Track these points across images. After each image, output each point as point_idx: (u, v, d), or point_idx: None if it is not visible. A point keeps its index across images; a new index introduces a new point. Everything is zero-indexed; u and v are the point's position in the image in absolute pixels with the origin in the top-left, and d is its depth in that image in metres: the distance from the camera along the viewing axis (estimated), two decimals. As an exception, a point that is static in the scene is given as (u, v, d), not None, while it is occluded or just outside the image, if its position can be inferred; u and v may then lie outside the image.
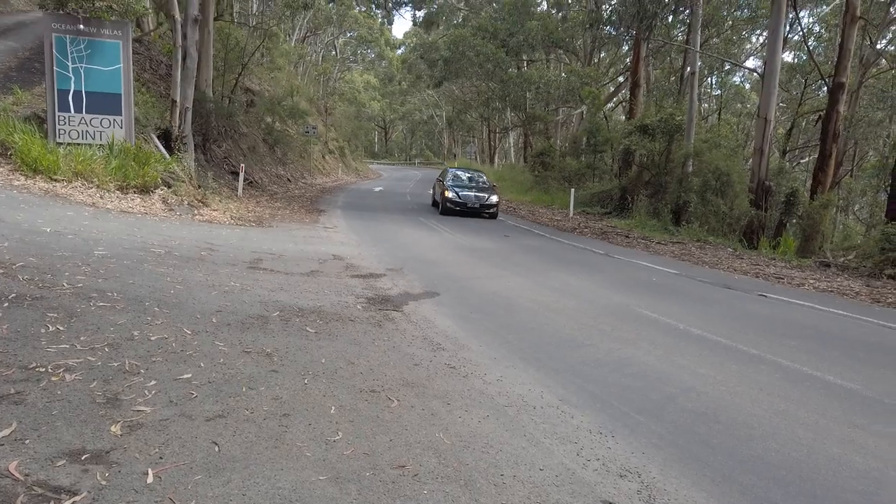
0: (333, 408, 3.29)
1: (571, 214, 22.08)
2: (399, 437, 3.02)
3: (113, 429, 2.77)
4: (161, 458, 2.58)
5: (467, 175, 21.63)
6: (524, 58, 42.84)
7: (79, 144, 11.32)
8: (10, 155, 10.43)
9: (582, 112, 38.08)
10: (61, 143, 11.17)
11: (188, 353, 3.89)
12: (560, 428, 3.40)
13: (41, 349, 3.63)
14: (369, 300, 6.34)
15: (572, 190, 23.48)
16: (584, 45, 38.80)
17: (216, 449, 2.70)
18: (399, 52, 69.61)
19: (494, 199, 19.04)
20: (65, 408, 2.92)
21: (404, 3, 40.74)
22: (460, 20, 46.05)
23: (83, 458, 2.52)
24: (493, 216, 18.88)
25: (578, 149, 32.60)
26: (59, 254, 6.22)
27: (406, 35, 71.69)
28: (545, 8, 42.26)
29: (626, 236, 16.61)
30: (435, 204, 21.21)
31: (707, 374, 4.67)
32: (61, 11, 11.02)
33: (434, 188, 22.57)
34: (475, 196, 18.80)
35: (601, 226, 19.26)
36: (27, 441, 2.57)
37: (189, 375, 3.49)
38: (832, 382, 4.66)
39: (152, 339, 4.08)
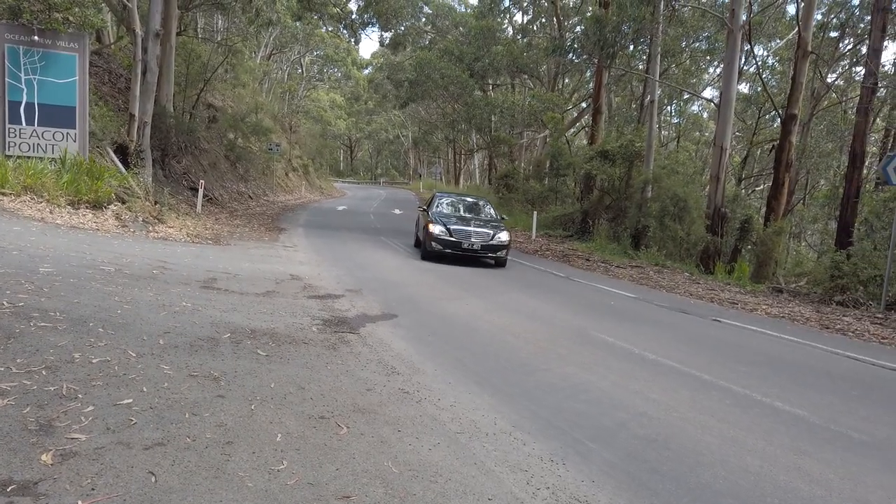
0: (280, 435, 3.20)
1: (534, 237, 22.30)
2: (346, 466, 2.95)
3: (44, 458, 2.64)
4: (93, 489, 2.47)
5: (463, 202, 15.73)
6: (489, 82, 43.47)
7: (29, 157, 10.99)
8: (-44, 167, 10.06)
9: (545, 136, 38.72)
10: (10, 156, 10.83)
11: (131, 376, 3.76)
12: (511, 455, 3.37)
13: (-28, 372, 3.46)
14: (325, 322, 6.25)
15: (535, 213, 23.74)
16: (548, 71, 39.59)
17: (153, 479, 2.59)
18: (366, 71, 69.82)
19: (504, 236, 13.18)
20: (-8, 435, 2.77)
21: (371, 23, 40.82)
22: (427, 43, 46.50)
23: (9, 489, 2.39)
24: (501, 263, 13.35)
25: (542, 172, 33.05)
26: (1, 271, 5.98)
27: (373, 55, 72.03)
28: (511, 34, 43.03)
29: (587, 259, 16.82)
30: (418, 244, 14.92)
31: (659, 400, 4.71)
32: (15, 22, 10.74)
33: (417, 223, 16.25)
34: (474, 232, 13.00)
35: (563, 248, 19.48)
36: (-52, 472, 2.43)
37: (130, 400, 3.37)
38: (781, 409, 4.75)
39: (94, 361, 3.93)
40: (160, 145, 17.69)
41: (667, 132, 43.00)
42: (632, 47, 26.35)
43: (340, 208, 31.40)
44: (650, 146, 21.21)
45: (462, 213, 14.99)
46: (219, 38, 31.22)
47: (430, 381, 4.63)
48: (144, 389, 3.57)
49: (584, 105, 40.31)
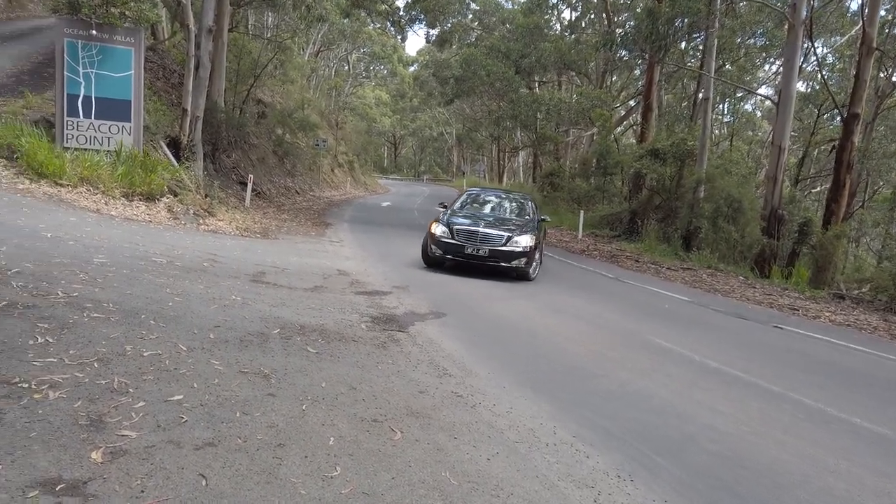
0: (332, 438, 3.07)
1: (580, 236, 21.88)
2: (402, 475, 2.79)
3: (94, 455, 2.56)
4: (143, 491, 2.37)
5: (495, 198, 12.90)
6: (536, 79, 42.96)
7: (86, 150, 11.20)
8: (17, 158, 10.31)
9: (592, 134, 38.06)
10: (68, 148, 11.05)
11: (181, 371, 3.68)
12: (575, 469, 3.17)
13: (27, 362, 3.43)
14: (374, 319, 6.13)
15: (581, 212, 23.30)
16: (597, 68, 38.87)
17: (203, 483, 2.48)
18: (411, 69, 69.96)
19: (525, 241, 10.20)
20: (45, 429, 2.71)
21: (418, 20, 40.79)
22: (473, 39, 46.21)
23: (58, 488, 2.31)
24: (523, 275, 10.34)
25: (588, 170, 32.50)
26: (57, 260, 6.04)
27: (419, 52, 72.14)
28: (558, 30, 42.43)
29: (636, 260, 16.37)
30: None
31: (727, 412, 4.42)
32: (74, 16, 10.96)
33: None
34: (482, 234, 10.20)
35: (610, 249, 19.04)
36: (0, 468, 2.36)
37: (180, 397, 3.28)
38: (860, 426, 4.41)
39: (145, 354, 3.87)
40: (211, 140, 17.95)
41: (718, 131, 41.75)
42: (684, 44, 25.65)
43: (385, 204, 31.47)
44: (704, 145, 20.52)
45: (487, 211, 12.10)
46: (268, 35, 31.63)
47: (484, 384, 4.44)
48: (195, 385, 3.48)
49: (632, 103, 39.49)
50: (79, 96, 11.14)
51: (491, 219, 11.38)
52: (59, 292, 4.90)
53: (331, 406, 3.51)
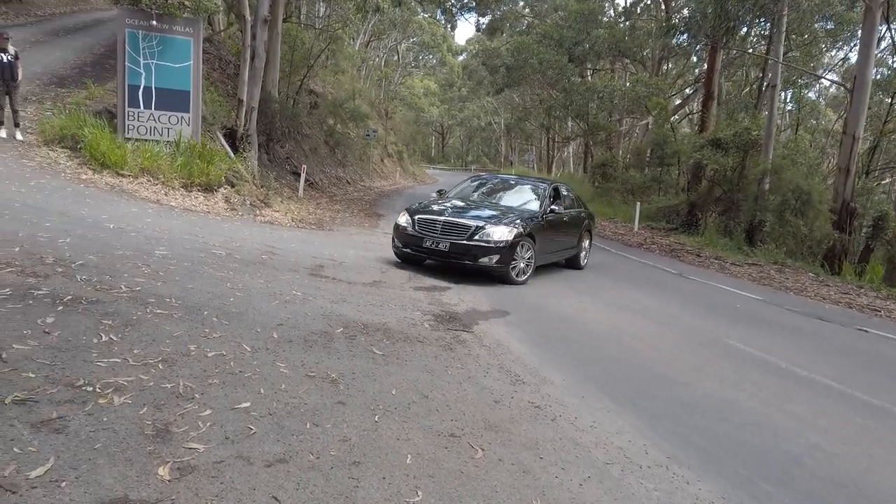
0: (409, 456, 2.83)
1: (636, 229, 21.21)
2: (489, 503, 2.53)
3: (161, 472, 2.38)
4: (213, 514, 2.18)
5: (505, 184, 10.74)
6: (588, 66, 41.98)
7: (146, 140, 11.31)
8: (80, 149, 10.47)
9: (647, 123, 37.03)
10: (130, 139, 11.18)
11: (247, 374, 3.51)
12: (677, 498, 2.85)
13: (91, 363, 3.30)
14: (436, 317, 5.89)
15: (638, 203, 22.60)
16: (653, 55, 37.70)
17: (277, 506, 2.28)
18: (461, 58, 69.47)
19: (499, 234, 8.09)
20: (110, 440, 2.55)
21: (469, 8, 40.32)
22: (524, 27, 45.49)
23: (125, 509, 2.14)
24: (501, 276, 8.34)
25: (643, 161, 31.62)
26: (120, 252, 6.00)
27: (468, 41, 71.58)
28: (612, 16, 41.32)
29: (698, 255, 15.72)
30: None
31: (830, 429, 4.02)
32: (135, 7, 11.05)
33: None
34: (444, 225, 8.28)
35: (669, 242, 18.38)
36: (63, 484, 2.20)
37: (248, 404, 3.10)
38: None
39: (209, 355, 3.72)
40: (265, 130, 18.04)
41: (780, 120, 40.03)
42: (745, 29, 24.49)
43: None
44: (769, 134, 19.56)
45: (485, 199, 9.99)
46: (320, 26, 31.72)
47: (561, 393, 4.15)
48: (262, 391, 3.30)
49: (688, 91, 38.20)
50: (139, 87, 11.24)
51: (475, 208, 9.22)
52: (123, 286, 4.82)
53: (404, 417, 3.28)
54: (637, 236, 19.37)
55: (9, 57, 10.08)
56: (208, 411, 2.95)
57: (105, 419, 2.72)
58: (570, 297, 8.17)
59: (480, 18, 45.17)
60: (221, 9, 21.40)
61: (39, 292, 4.27)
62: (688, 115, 40.68)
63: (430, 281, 7.93)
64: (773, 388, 4.87)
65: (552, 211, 9.44)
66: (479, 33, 51.79)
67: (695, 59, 38.66)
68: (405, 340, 4.81)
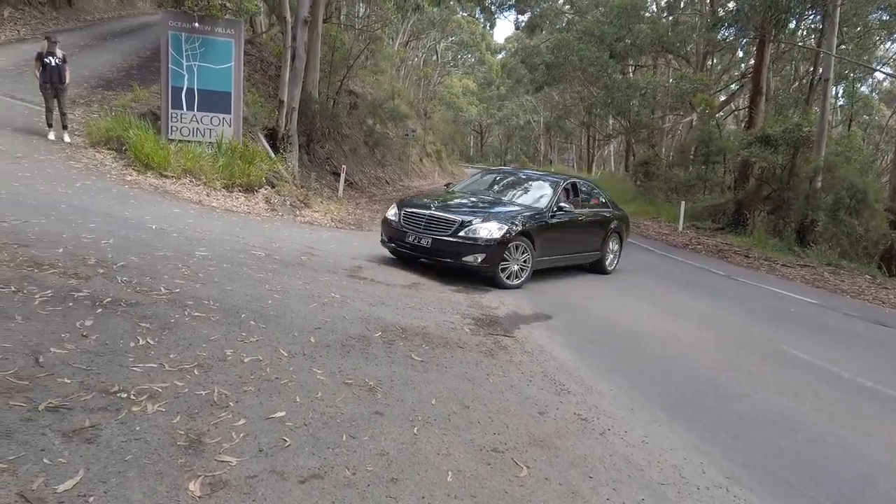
0: (450, 473, 2.68)
1: (681, 228, 20.65)
2: (536, 527, 2.37)
3: (191, 487, 2.29)
4: (244, 535, 2.06)
5: (518, 179, 9.93)
6: (630, 63, 41.21)
7: (189, 141, 11.44)
8: (125, 150, 10.64)
9: (692, 120, 36.14)
10: (173, 140, 11.32)
11: (283, 381, 3.41)
12: (740, 524, 2.64)
13: (127, 368, 3.25)
14: (476, 321, 5.73)
15: (682, 202, 22.01)
16: (697, 50, 36.76)
17: (311, 527, 2.15)
18: (499, 56, 69.15)
19: (489, 229, 7.42)
20: (141, 451, 2.47)
21: (508, 6, 40.01)
22: (564, 24, 44.95)
23: (154, 526, 2.04)
24: (489, 277, 7.65)
25: (687, 159, 30.86)
26: (161, 253, 6.01)
27: (507, 40, 71.20)
28: (655, 11, 40.46)
29: (746, 256, 15.18)
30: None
31: (904, 448, 3.72)
32: (178, 9, 11.18)
33: None
34: (428, 219, 7.68)
35: (715, 242, 17.81)
36: (91, 499, 2.12)
37: (283, 413, 3.00)
38: None
39: (245, 361, 3.64)
40: (306, 130, 18.14)
41: (831, 116, 38.57)
42: (793, 22, 23.59)
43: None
44: (822, 130, 18.76)
45: (491, 194, 9.29)
46: (360, 26, 31.86)
47: (608, 404, 3.94)
48: (297, 399, 3.19)
49: (734, 86, 37.15)
50: (182, 88, 11.37)
51: (471, 203, 8.56)
52: (162, 288, 4.80)
53: (444, 429, 3.13)
54: (682, 236, 18.85)
55: (57, 60, 10.30)
56: (242, 421, 2.85)
57: (137, 428, 2.64)
58: (614, 300, 7.92)
59: (520, 16, 44.83)
60: (262, 10, 21.65)
61: (80, 294, 4.26)
62: (734, 111, 39.59)
63: (468, 283, 7.77)
64: (838, 400, 4.56)
65: (560, 209, 8.52)
66: (519, 31, 51.44)
67: (741, 53, 37.61)
68: (445, 346, 4.66)
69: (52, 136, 10.55)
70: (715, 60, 40.14)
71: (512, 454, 2.96)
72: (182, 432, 2.67)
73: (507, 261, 7.59)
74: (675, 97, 34.64)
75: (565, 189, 9.04)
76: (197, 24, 11.16)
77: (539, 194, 8.86)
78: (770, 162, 20.19)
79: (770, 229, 19.53)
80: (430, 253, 7.65)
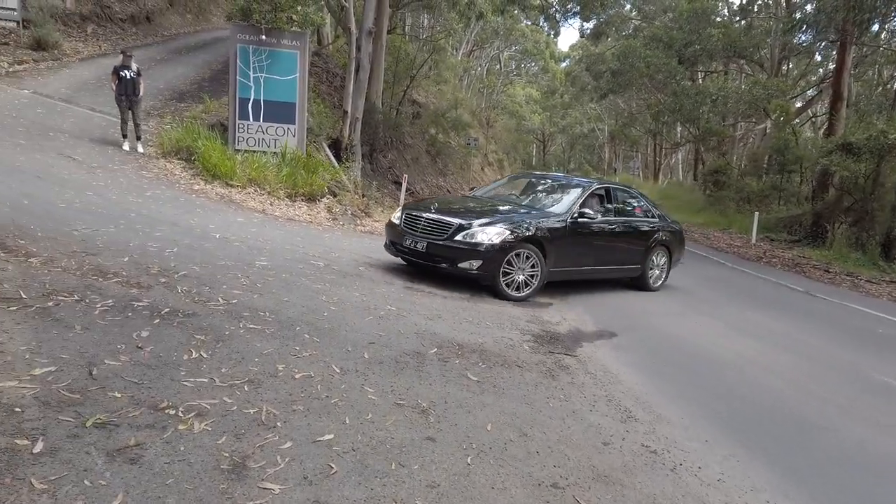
0: (506, 511, 2.48)
1: (754, 240, 19.69)
2: (600, 579, 2.14)
3: (231, 516, 2.17)
4: (283, 574, 1.93)
5: (545, 183, 9.19)
6: (700, 68, 39.93)
7: (254, 151, 11.67)
8: (194, 160, 10.93)
9: (765, 128, 34.67)
10: (239, 150, 11.57)
11: (333, 400, 3.29)
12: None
13: (178, 382, 3.20)
14: (536, 338, 5.50)
15: (756, 213, 21.02)
16: (771, 55, 35.28)
17: (353, 568, 2.00)
18: (563, 64, 68.54)
19: (489, 234, 6.86)
20: (183, 474, 2.38)
21: (573, 13, 39.53)
22: (631, 30, 44.07)
23: (190, 559, 1.93)
24: (490, 286, 7.13)
25: (760, 167, 29.59)
26: (222, 263, 6.06)
27: (571, 47, 70.56)
28: (727, 15, 39.09)
29: (826, 270, 14.29)
30: None
31: None
32: (246, 23, 11.44)
33: None
34: (426, 223, 7.17)
35: (791, 256, 16.88)
36: (128, 526, 2.04)
37: (331, 436, 2.87)
38: None
39: (297, 377, 3.55)
40: (369, 140, 18.30)
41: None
42: (877, 25, 22.20)
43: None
44: (911, 138, 17.54)
45: (513, 197, 8.79)
46: (424, 36, 32.10)
47: (680, 435, 3.65)
48: (347, 421, 3.06)
49: (810, 92, 35.42)
50: (249, 99, 11.62)
51: (480, 206, 8.03)
52: (220, 299, 4.79)
53: (500, 460, 2.93)
54: (755, 248, 17.96)
55: (132, 73, 10.70)
56: (289, 443, 2.74)
57: (182, 448, 2.56)
58: (684, 317, 7.51)
59: (584, 24, 44.28)
60: (328, 22, 22.05)
61: (140, 304, 4.29)
62: (811, 118, 37.78)
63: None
64: (940, 437, 4.10)
65: (583, 216, 7.69)
66: (583, 39, 50.82)
67: (819, 57, 35.88)
68: (502, 365, 4.45)
69: (126, 146, 10.96)
70: (791, 65, 38.45)
71: (573, 490, 2.73)
72: (226, 454, 2.57)
73: (510, 270, 7.01)
74: (747, 104, 33.26)
75: (594, 195, 8.30)
76: (264, 37, 11.40)
77: (560, 200, 8.13)
78: (852, 171, 18.99)
79: (852, 242, 18.37)
80: (425, 257, 7.11)
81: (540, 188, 8.95)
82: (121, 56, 11.06)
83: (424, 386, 3.74)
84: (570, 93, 63.75)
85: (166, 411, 2.86)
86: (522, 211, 7.79)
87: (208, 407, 2.97)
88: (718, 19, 37.60)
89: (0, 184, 7.12)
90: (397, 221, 7.66)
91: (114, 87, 10.72)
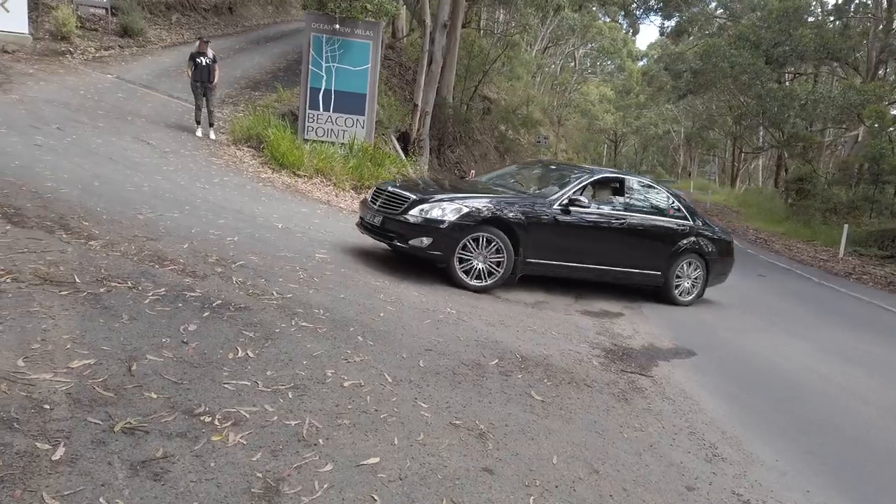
0: (574, 571, 2.11)
1: (842, 255, 18.33)
2: None
3: (256, 554, 1.90)
4: None
5: (550, 171, 8.32)
6: (789, 70, 37.81)
7: (323, 142, 11.59)
8: (263, 149, 10.94)
9: (857, 135, 32.53)
10: (308, 140, 11.52)
11: (382, 415, 2.99)
12: None
13: (219, 384, 2.98)
14: (607, 353, 5.05)
15: (845, 225, 19.59)
16: (868, 57, 32.98)
17: None
18: (640, 63, 66.76)
19: (442, 210, 6.16)
20: (209, 497, 2.12)
21: (654, 10, 38.17)
22: (715, 29, 42.23)
23: None
24: (442, 267, 6.37)
25: (851, 177, 27.71)
26: (282, 254, 5.89)
27: (650, 46, 68.64)
28: (820, 15, 36.81)
29: (926, 293, 13.06)
30: None
31: None
32: (321, 12, 11.36)
33: None
34: (387, 198, 6.60)
35: (884, 273, 15.57)
36: (139, 559, 1.79)
37: (376, 460, 2.57)
38: None
39: (345, 384, 3.27)
40: (438, 135, 18.08)
41: None
42: None
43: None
44: None
45: (503, 182, 7.80)
46: (498, 31, 31.64)
47: (775, 482, 3.16)
48: (395, 442, 2.75)
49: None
50: (320, 89, 11.55)
51: (454, 186, 7.45)
52: (274, 292, 4.59)
53: (567, 503, 2.55)
54: (843, 263, 16.69)
55: (207, 60, 10.79)
56: (329, 466, 2.45)
57: (212, 464, 2.31)
58: (768, 335, 6.87)
59: (665, 21, 42.75)
60: (403, 13, 21.93)
61: (192, 294, 4.13)
62: (909, 125, 35.13)
63: (598, 304, 7.06)
64: None
65: (574, 203, 6.75)
66: (663, 37, 49.18)
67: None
68: (570, 383, 4.05)
69: (199, 132, 11.07)
70: (888, 69, 35.92)
71: (654, 549, 2.34)
72: (260, 475, 2.31)
73: (470, 255, 6.26)
74: (839, 109, 31.22)
75: (601, 184, 7.39)
76: (338, 26, 11.28)
77: (552, 185, 7.22)
78: (959, 184, 17.46)
79: (956, 262, 16.84)
80: (380, 233, 6.53)
81: (542, 176, 8.07)
82: (197, 42, 11.19)
83: (484, 404, 3.39)
84: (646, 93, 61.92)
85: (201, 418, 2.63)
86: (501, 194, 6.87)
87: (247, 416, 2.72)
88: (811, 19, 35.50)
89: (75, 165, 7.21)
90: (368, 197, 7.20)
91: (189, 74, 10.84)
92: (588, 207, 6.90)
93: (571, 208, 6.76)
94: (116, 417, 2.49)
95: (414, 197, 6.34)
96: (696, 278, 7.82)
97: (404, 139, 15.14)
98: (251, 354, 3.40)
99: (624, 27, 55.03)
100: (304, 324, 4.09)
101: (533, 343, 4.87)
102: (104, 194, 6.37)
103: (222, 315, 3.90)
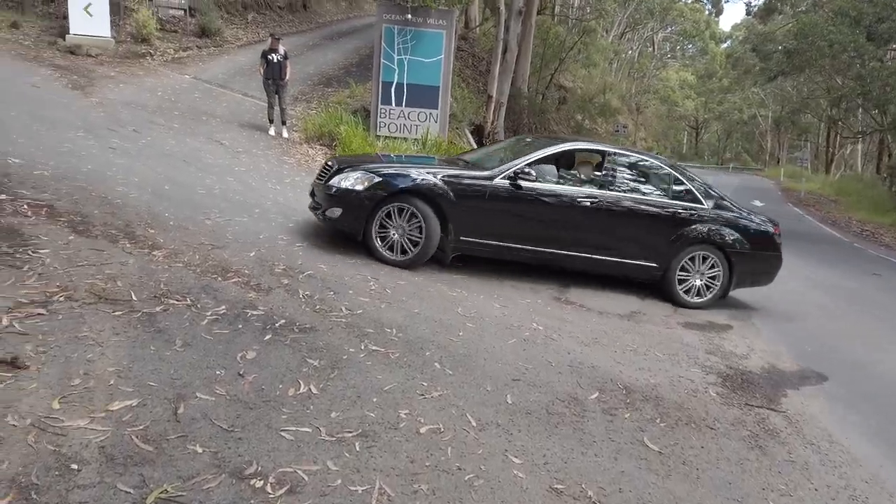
0: None
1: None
2: None
3: None
4: None
5: (527, 147, 6.73)
6: (893, 47, 34.71)
7: (395, 138, 11.20)
8: (335, 146, 10.65)
9: (976, 116, 29.56)
10: (380, 136, 11.15)
11: (467, 476, 2.46)
12: None
13: (276, 431, 2.53)
14: (723, 379, 4.33)
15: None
16: None
17: None
18: (724, 46, 63.52)
19: (348, 181, 5.67)
20: None
21: (742, -12, 35.97)
22: (809, 4, 39.35)
23: None
24: (367, 245, 5.72)
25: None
26: (352, 261, 5.47)
27: (734, 27, 65.17)
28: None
29: None
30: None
31: None
32: (392, 2, 10.95)
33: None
34: (325, 167, 6.25)
35: None
36: None
37: (464, 548, 2.04)
38: None
39: (422, 431, 2.76)
40: (512, 126, 17.43)
41: None
42: None
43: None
44: None
45: (460, 157, 7.36)
46: (573, 17, 30.50)
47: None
48: (486, 519, 2.22)
49: None
50: (392, 83, 11.16)
51: (404, 158, 7.19)
52: (343, 308, 4.15)
53: None
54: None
55: (279, 57, 10.58)
56: (404, 559, 1.94)
57: (259, 556, 1.84)
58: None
59: (752, 0, 40.31)
60: (476, 1, 21.34)
61: (254, 313, 3.74)
62: None
63: (701, 315, 6.27)
64: None
65: (523, 176, 5.85)
66: (750, 17, 46.42)
67: None
68: (687, 423, 3.39)
69: (272, 131, 10.90)
70: None
71: None
72: (317, 572, 1.82)
73: (384, 227, 5.68)
74: (956, 87, 28.39)
75: (563, 154, 6.46)
76: (410, 16, 10.85)
77: (510, 158, 6.27)
78: None
79: None
80: (311, 205, 6.21)
81: (518, 148, 7.10)
82: (269, 39, 11.01)
83: (588, 458, 2.80)
84: (731, 76, 58.74)
85: (251, 482, 2.17)
86: (436, 165, 6.33)
87: (305, 478, 2.25)
88: (923, -11, 32.44)
89: (147, 169, 7.06)
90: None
91: (261, 72, 10.67)
92: (540, 182, 5.96)
93: (520, 181, 5.86)
94: (152, 482, 2.07)
95: (336, 166, 5.93)
96: (712, 276, 6.45)
97: (478, 132, 14.59)
98: (314, 390, 2.95)
99: (707, 8, 52.39)
100: (374, 347, 3.62)
101: (635, 367, 4.22)
102: (174, 198, 6.14)
103: (285, 338, 3.48)
